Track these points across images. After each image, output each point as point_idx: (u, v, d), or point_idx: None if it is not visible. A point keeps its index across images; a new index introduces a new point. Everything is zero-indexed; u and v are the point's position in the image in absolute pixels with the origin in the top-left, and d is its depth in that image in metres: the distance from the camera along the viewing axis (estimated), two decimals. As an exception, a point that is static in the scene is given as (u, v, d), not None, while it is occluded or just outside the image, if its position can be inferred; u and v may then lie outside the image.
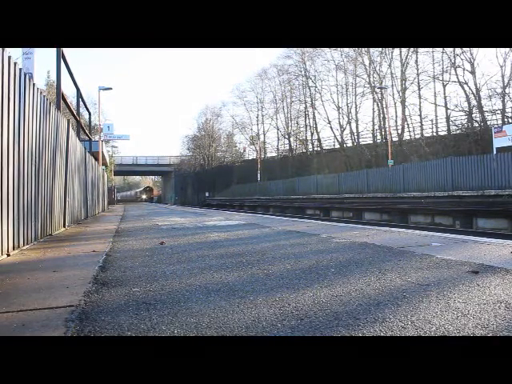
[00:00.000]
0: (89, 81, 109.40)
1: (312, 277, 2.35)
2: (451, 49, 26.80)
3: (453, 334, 1.38)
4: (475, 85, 26.45)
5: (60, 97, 7.85)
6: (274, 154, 47.01)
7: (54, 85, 27.61)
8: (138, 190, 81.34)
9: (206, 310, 1.74)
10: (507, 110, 25.22)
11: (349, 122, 36.80)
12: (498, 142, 19.46)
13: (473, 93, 26.68)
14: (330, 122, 38.65)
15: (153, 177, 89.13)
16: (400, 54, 31.51)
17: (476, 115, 26.57)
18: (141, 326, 1.54)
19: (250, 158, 48.99)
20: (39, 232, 4.75)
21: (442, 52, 28.05)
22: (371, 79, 34.31)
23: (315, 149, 40.63)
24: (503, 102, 25.37)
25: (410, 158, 27.38)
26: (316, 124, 40.76)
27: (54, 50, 7.99)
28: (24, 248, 3.97)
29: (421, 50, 29.68)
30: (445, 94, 28.89)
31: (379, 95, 33.52)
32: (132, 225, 7.60)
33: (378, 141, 33.39)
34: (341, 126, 37.24)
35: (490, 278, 2.17)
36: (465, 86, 27.09)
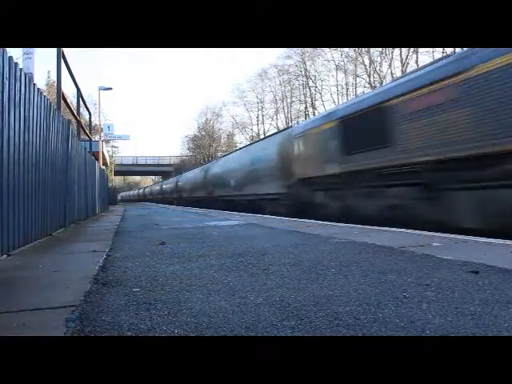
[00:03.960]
0: (89, 81, 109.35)
1: (312, 277, 2.35)
2: (451, 49, 26.80)
3: (453, 334, 1.38)
4: (475, 85, 26.37)
5: (60, 97, 7.85)
6: (275, 154, 46.89)
7: (54, 85, 27.63)
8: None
9: (206, 310, 1.74)
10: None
11: (349, 122, 36.72)
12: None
13: (473, 92, 26.53)
14: (330, 122, 38.59)
15: (153, 177, 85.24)
16: (400, 54, 31.52)
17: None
18: (141, 326, 1.54)
19: (251, 158, 48.84)
20: (39, 232, 4.75)
21: (442, 52, 28.02)
22: (371, 79, 34.31)
23: (316, 149, 40.46)
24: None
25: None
26: (316, 124, 40.69)
27: (54, 50, 8.00)
28: (24, 248, 3.98)
29: (421, 49, 29.69)
30: (445, 93, 28.83)
31: (379, 95, 33.46)
32: (132, 225, 7.60)
33: (379, 141, 33.28)
34: (341, 126, 37.16)
35: (490, 278, 2.17)
36: (465, 85, 27.02)
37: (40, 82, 38.73)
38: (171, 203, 30.30)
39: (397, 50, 31.65)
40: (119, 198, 58.85)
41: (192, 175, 24.39)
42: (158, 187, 41.59)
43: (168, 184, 34.24)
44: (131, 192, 71.46)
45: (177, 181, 29.34)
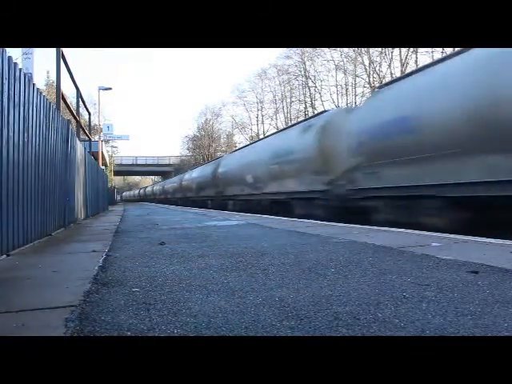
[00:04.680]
0: (89, 81, 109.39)
1: (312, 277, 2.35)
2: (451, 49, 26.84)
3: (453, 334, 1.38)
4: (475, 85, 26.38)
5: (60, 97, 7.85)
6: (274, 154, 46.88)
7: (53, 85, 27.62)
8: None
9: (206, 310, 1.74)
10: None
11: (349, 122, 36.76)
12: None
13: (473, 93, 26.50)
14: (329, 122, 38.62)
15: (153, 177, 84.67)
16: (400, 54, 31.51)
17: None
18: (141, 326, 1.53)
19: (251, 157, 48.81)
20: (39, 232, 4.74)
21: (442, 52, 28.05)
22: (371, 79, 34.30)
23: (315, 149, 40.39)
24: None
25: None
26: (316, 124, 40.74)
27: (53, 50, 7.99)
28: (24, 248, 3.97)
29: (421, 49, 29.70)
30: (445, 94, 28.85)
31: (379, 95, 33.48)
32: (132, 225, 7.59)
33: (378, 141, 33.28)
34: (341, 126, 37.20)
35: (490, 278, 2.17)
36: (465, 86, 27.03)
37: (39, 82, 38.74)
38: (203, 205, 19.90)
39: (396, 50, 31.66)
40: (121, 198, 56.37)
41: (258, 152, 12.36)
42: (174, 184, 30.67)
43: (195, 178, 22.70)
44: (136, 191, 66.03)
45: (215, 168, 17.59)
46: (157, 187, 43.52)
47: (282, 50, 41.46)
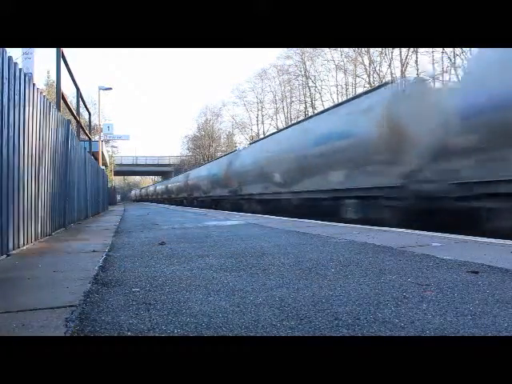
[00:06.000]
0: (89, 81, 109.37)
1: (312, 277, 2.35)
2: (451, 49, 26.81)
3: (453, 334, 1.38)
4: (475, 85, 26.37)
5: (60, 97, 7.85)
6: (274, 154, 46.85)
7: (53, 85, 27.60)
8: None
9: (206, 310, 1.74)
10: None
11: (349, 122, 36.75)
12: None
13: (473, 93, 26.50)
14: (329, 122, 38.61)
15: (153, 177, 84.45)
16: (400, 54, 31.53)
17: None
18: (141, 326, 1.54)
19: (251, 158, 48.80)
20: (39, 232, 4.74)
21: (442, 52, 28.05)
22: (371, 79, 34.31)
23: (315, 149, 40.45)
24: (504, 101, 25.19)
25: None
26: (316, 124, 40.72)
27: (53, 50, 7.99)
28: (24, 248, 3.97)
29: (421, 49, 29.70)
30: (445, 93, 28.83)
31: (379, 95, 33.48)
32: (132, 225, 7.59)
33: (378, 141, 33.30)
34: (341, 126, 37.19)
35: (490, 278, 2.17)
36: (465, 85, 27.02)
37: (40, 82, 38.68)
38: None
39: (397, 50, 31.67)
40: (122, 198, 55.70)
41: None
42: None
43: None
44: (138, 191, 63.69)
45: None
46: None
47: (282, 50, 41.49)
